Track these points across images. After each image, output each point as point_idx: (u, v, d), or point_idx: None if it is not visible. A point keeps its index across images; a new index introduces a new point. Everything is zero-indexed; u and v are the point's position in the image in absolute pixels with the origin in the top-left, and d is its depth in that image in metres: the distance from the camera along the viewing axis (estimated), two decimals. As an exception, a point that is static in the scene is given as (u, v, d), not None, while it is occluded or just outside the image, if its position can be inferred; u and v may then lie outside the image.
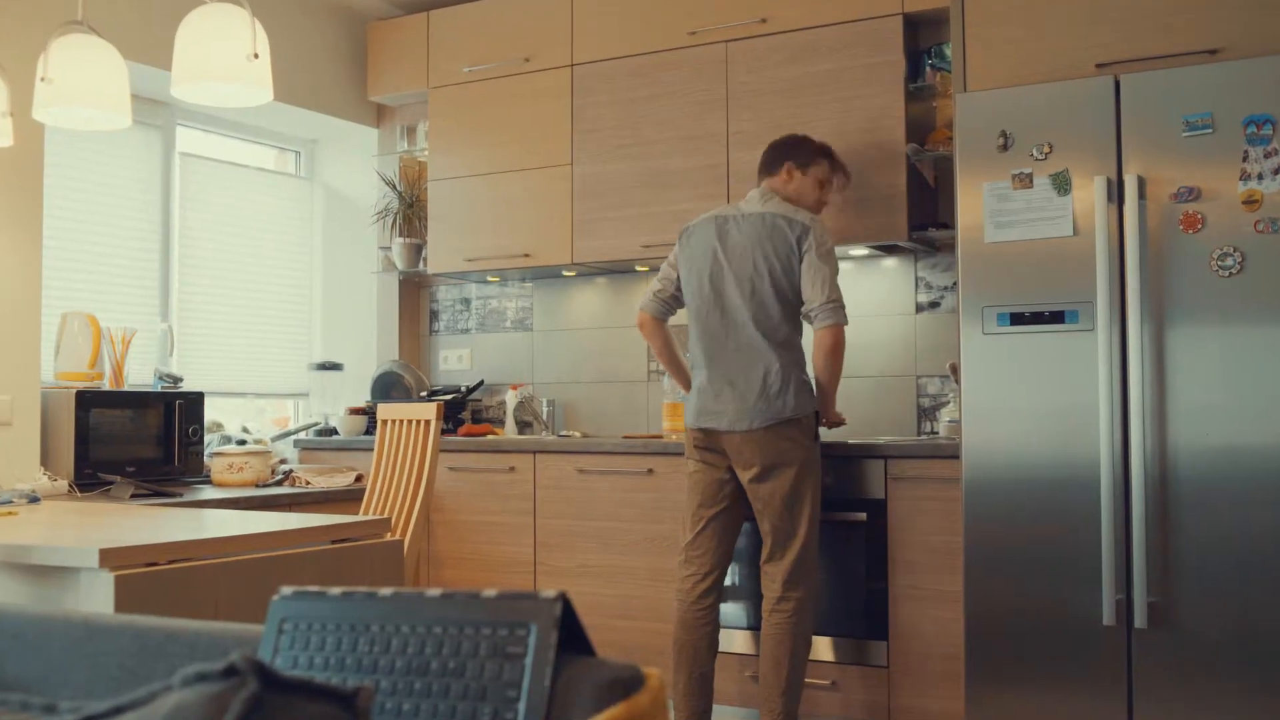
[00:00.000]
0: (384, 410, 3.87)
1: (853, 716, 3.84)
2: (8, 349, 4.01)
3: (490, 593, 1.09)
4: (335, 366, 5.53)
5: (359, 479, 4.53)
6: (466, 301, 5.53)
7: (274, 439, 5.10)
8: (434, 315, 5.62)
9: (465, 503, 4.60)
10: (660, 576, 4.22)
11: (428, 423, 3.72)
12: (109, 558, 2.31)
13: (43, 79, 2.96)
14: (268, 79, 2.78)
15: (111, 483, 4.07)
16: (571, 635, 1.08)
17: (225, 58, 2.75)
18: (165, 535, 2.58)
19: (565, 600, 1.07)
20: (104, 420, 4.20)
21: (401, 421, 3.78)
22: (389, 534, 3.12)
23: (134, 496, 3.97)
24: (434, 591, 1.12)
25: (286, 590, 1.18)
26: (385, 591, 1.14)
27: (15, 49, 3.94)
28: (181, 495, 4.08)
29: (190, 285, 5.11)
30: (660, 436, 4.64)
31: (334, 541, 2.81)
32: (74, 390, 4.12)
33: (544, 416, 5.06)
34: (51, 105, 2.99)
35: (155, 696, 0.97)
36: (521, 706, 1.02)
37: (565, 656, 1.06)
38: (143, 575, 2.36)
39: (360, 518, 3.35)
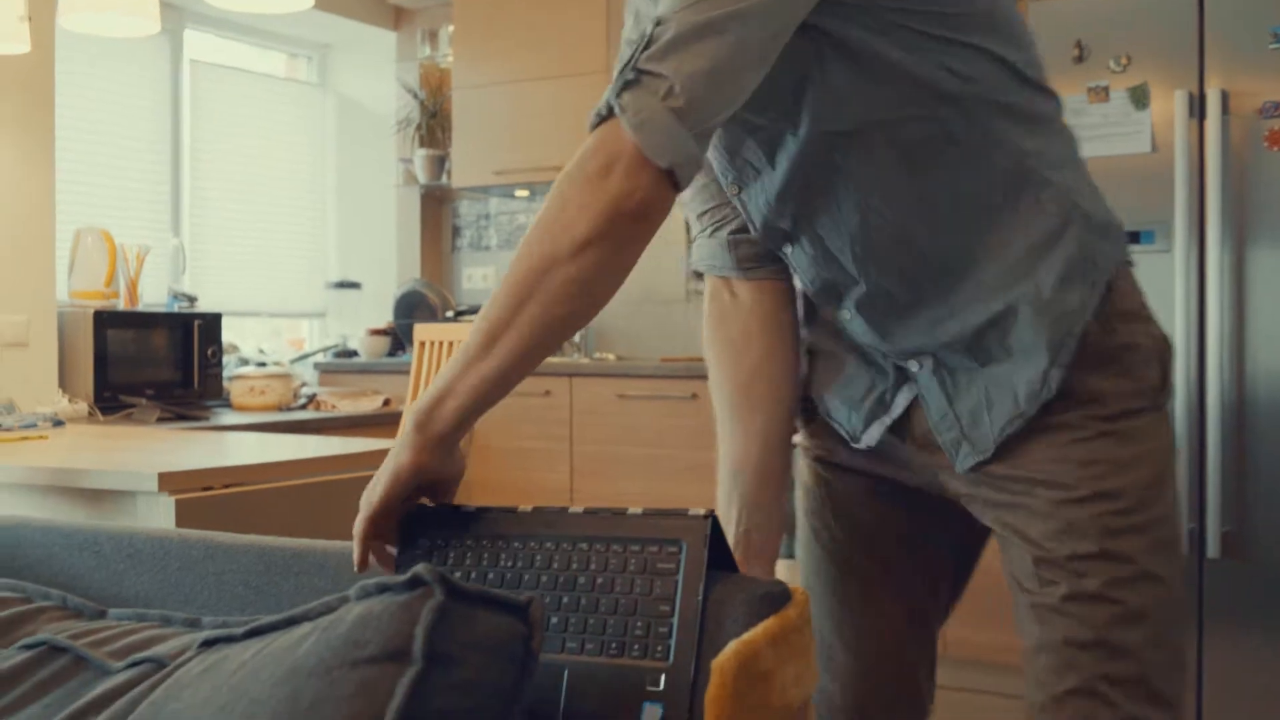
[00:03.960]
0: (422, 331, 3.97)
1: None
2: (22, 267, 4.10)
3: (636, 510, 1.19)
4: (353, 285, 5.62)
5: (387, 403, 4.63)
6: (490, 217, 5.60)
7: (292, 361, 5.20)
8: (456, 232, 5.69)
9: (498, 428, 4.71)
10: (707, 504, 4.33)
11: (466, 345, 3.81)
12: (168, 481, 2.42)
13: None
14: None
15: (133, 406, 4.18)
16: (716, 552, 1.17)
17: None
18: (218, 460, 2.69)
19: (714, 517, 1.17)
20: (122, 341, 4.30)
21: (441, 343, 3.87)
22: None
23: (159, 420, 4.08)
24: (576, 509, 1.22)
25: (421, 504, 1.28)
26: (525, 508, 1.23)
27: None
28: (207, 419, 4.19)
29: (202, 200, 5.19)
30: (701, 359, 4.73)
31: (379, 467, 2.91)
32: (91, 310, 4.22)
33: (575, 338, 5.16)
34: (81, 10, 3.05)
35: (331, 608, 1.07)
36: (675, 622, 1.12)
37: (712, 573, 1.15)
38: (200, 499, 2.47)
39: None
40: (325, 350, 5.37)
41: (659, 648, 1.11)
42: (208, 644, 1.14)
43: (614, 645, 1.12)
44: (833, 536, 1.58)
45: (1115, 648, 1.31)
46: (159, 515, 2.41)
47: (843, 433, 1.52)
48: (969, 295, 1.34)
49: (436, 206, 5.68)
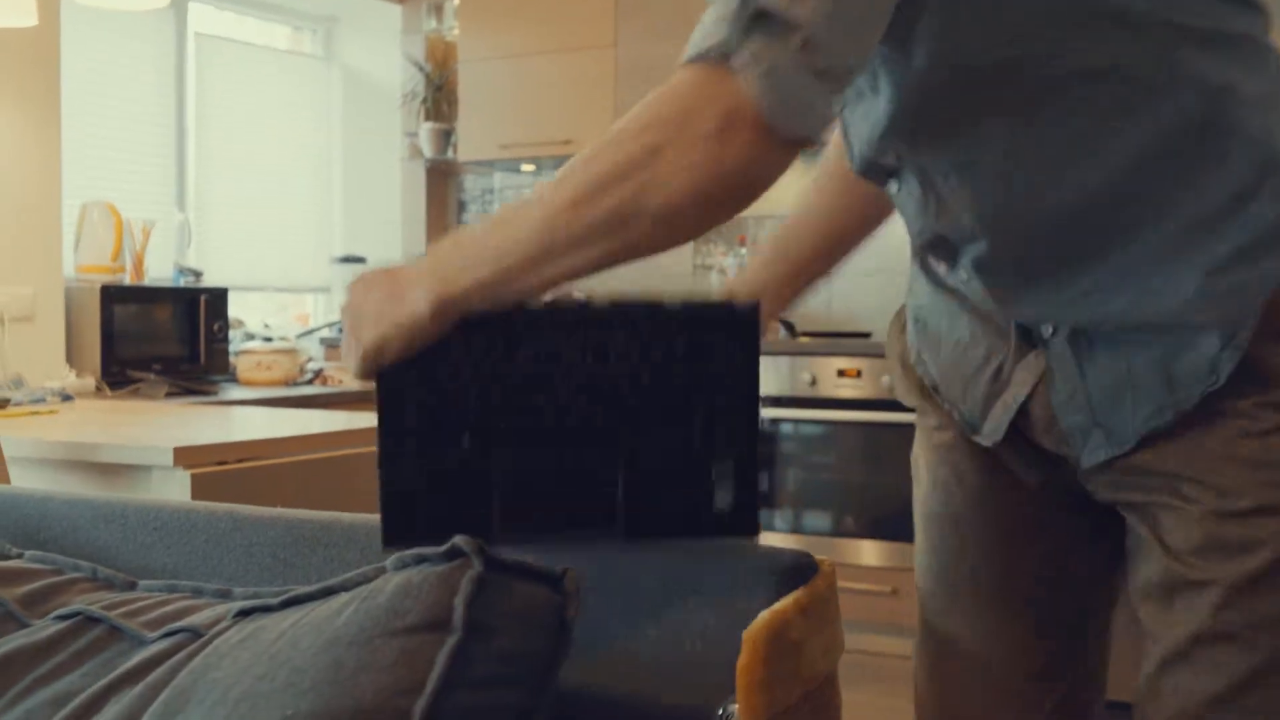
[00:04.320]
0: (429, 307, 3.98)
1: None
2: (28, 241, 4.11)
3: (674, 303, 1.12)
4: (358, 260, 5.63)
5: (394, 379, 4.65)
6: (495, 192, 5.61)
7: (298, 336, 5.22)
8: (462, 206, 5.70)
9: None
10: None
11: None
12: (183, 456, 2.45)
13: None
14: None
15: (140, 381, 4.20)
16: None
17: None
18: (232, 434, 2.71)
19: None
20: (129, 316, 4.32)
21: (450, 319, 3.89)
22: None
23: (167, 395, 4.10)
24: (599, 301, 1.12)
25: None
26: (534, 306, 1.10)
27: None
28: (215, 394, 4.21)
29: (207, 174, 5.20)
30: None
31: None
32: (98, 285, 4.23)
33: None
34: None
35: (368, 579, 1.09)
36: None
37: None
38: (215, 474, 2.50)
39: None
40: (331, 325, 5.39)
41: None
42: (244, 614, 1.17)
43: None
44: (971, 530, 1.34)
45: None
46: (174, 490, 2.44)
47: (961, 421, 1.30)
48: (1122, 266, 1.09)
49: (442, 180, 5.70)
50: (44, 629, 1.27)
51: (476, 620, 0.99)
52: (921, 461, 1.39)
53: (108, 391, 4.11)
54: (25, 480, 2.64)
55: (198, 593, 1.33)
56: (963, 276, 1.20)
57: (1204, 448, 1.09)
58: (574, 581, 1.05)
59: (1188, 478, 1.10)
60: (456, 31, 5.32)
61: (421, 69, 5.53)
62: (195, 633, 1.18)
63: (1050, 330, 1.17)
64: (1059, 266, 1.12)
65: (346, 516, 1.44)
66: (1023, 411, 1.22)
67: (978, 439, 1.27)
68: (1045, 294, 1.15)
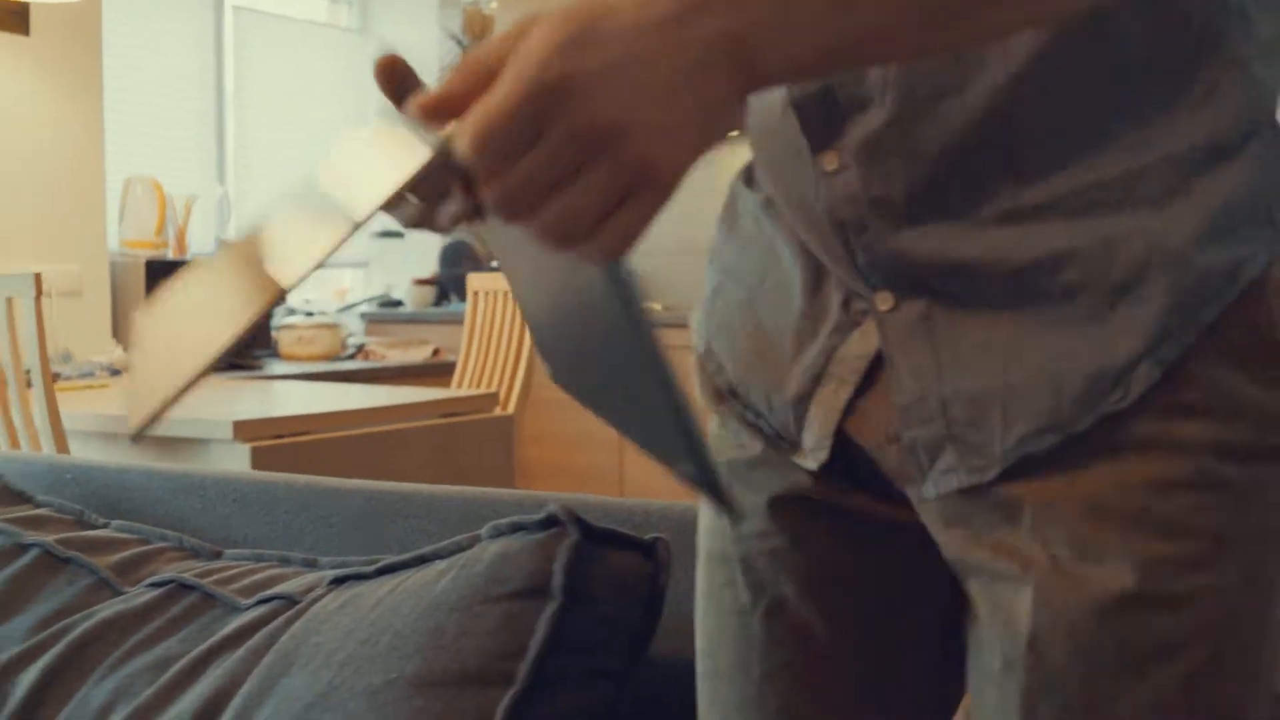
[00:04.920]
0: (476, 280, 4.03)
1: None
2: (73, 217, 4.17)
3: None
4: (396, 234, 5.67)
5: (436, 353, 4.70)
6: (533, 165, 5.64)
7: (338, 311, 5.28)
8: (499, 180, 5.73)
9: (543, 377, 4.77)
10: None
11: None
12: (242, 429, 2.50)
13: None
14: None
15: (185, 356, 4.25)
16: None
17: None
18: (287, 408, 2.77)
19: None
20: (172, 291, 4.37)
21: (496, 293, 3.93)
22: (498, 409, 3.31)
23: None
24: None
25: None
26: None
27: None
28: (259, 369, 4.26)
29: (246, 148, 5.25)
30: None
31: (443, 416, 2.99)
32: (143, 259, 4.29)
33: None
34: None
35: (464, 547, 1.13)
36: None
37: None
38: (274, 447, 2.55)
39: (469, 392, 3.54)
40: (370, 300, 5.44)
41: None
42: (338, 581, 1.21)
43: None
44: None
45: None
46: (233, 463, 2.50)
47: (764, 428, 0.88)
48: (1048, 200, 0.76)
49: (479, 154, 5.72)
50: (139, 596, 1.32)
51: (575, 587, 1.03)
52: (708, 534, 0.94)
53: (154, 366, 4.16)
54: (83, 453, 2.70)
55: (284, 561, 1.37)
56: (830, 166, 0.79)
57: (1088, 488, 0.77)
58: (666, 550, 1.09)
59: (1055, 523, 0.77)
60: (495, 5, 5.35)
61: (459, 42, 5.56)
62: (290, 599, 1.23)
63: (892, 300, 0.80)
64: (969, 181, 0.77)
65: (425, 488, 1.48)
66: (858, 414, 0.83)
67: (800, 460, 0.86)
68: (939, 216, 0.77)
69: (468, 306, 4.03)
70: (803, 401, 0.84)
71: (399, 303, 5.39)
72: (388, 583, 1.15)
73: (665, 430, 0.62)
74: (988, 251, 0.77)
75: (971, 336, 0.79)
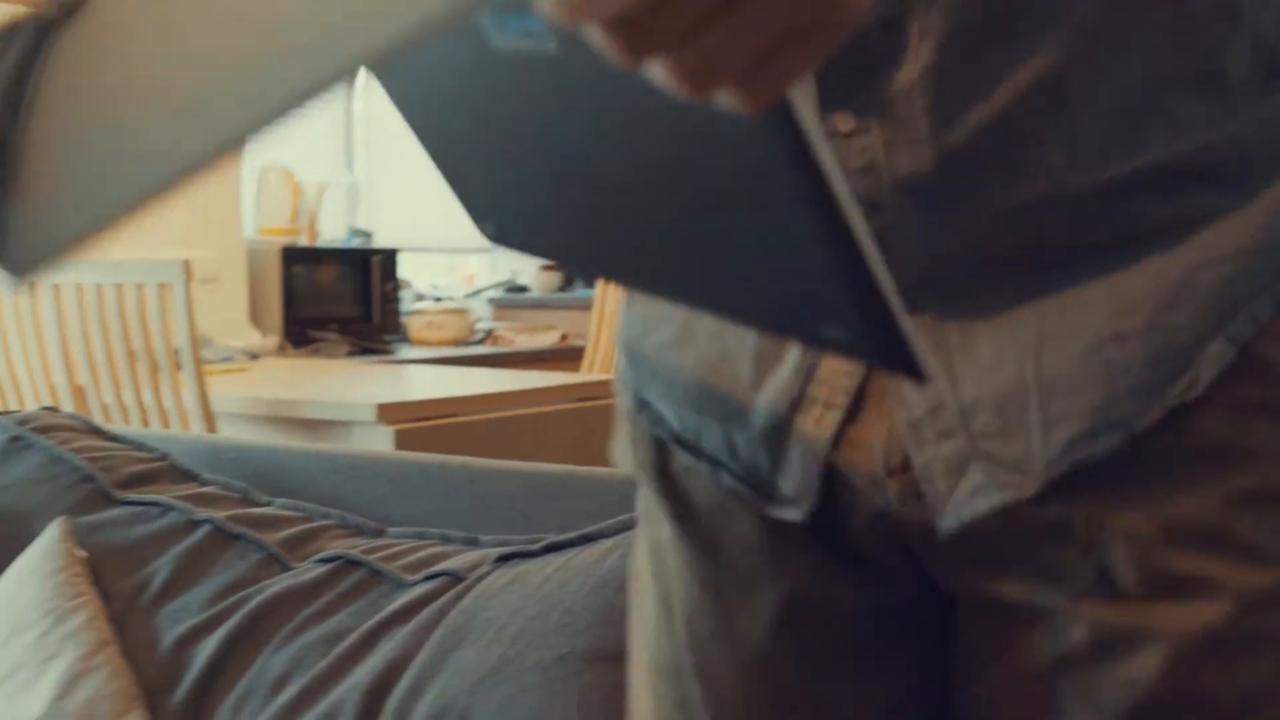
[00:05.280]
0: (603, 266, 4.06)
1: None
2: (211, 205, 4.29)
3: None
4: (522, 221, 5.74)
5: (564, 338, 4.75)
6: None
7: (466, 296, 5.36)
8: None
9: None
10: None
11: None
12: (386, 412, 2.56)
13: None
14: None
15: (320, 340, 4.36)
16: None
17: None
18: (429, 392, 2.83)
19: None
20: (307, 277, 4.49)
21: (624, 278, 3.96)
22: (630, 393, 3.32)
23: (346, 354, 4.26)
24: None
25: None
26: None
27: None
28: (391, 353, 4.35)
29: (372, 136, 5.35)
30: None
31: (579, 400, 3.03)
32: (278, 247, 4.40)
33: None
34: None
35: (628, 526, 1.16)
36: None
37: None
38: (417, 429, 2.60)
39: (605, 376, 3.57)
40: (497, 285, 5.51)
41: None
42: (504, 559, 1.24)
43: None
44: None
45: None
46: (377, 445, 2.55)
47: (723, 477, 0.73)
48: (1106, 182, 0.62)
49: (603, 140, 5.76)
50: (308, 571, 1.36)
51: (744, 566, 1.04)
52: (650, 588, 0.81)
53: (290, 350, 4.28)
54: (229, 434, 2.79)
55: (445, 540, 1.41)
56: (840, 129, 0.62)
57: (1150, 510, 0.63)
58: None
59: (1116, 564, 0.63)
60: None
61: None
62: (456, 576, 1.26)
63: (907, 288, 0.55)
64: (1029, 134, 0.61)
65: (582, 470, 1.51)
66: (846, 444, 0.68)
67: (776, 512, 0.71)
68: (975, 185, 0.62)
69: (596, 291, 4.06)
70: (777, 433, 0.69)
71: (525, 288, 5.45)
72: (554, 561, 1.18)
73: (813, 286, 0.49)
74: (1021, 238, 0.63)
75: (991, 329, 0.64)
